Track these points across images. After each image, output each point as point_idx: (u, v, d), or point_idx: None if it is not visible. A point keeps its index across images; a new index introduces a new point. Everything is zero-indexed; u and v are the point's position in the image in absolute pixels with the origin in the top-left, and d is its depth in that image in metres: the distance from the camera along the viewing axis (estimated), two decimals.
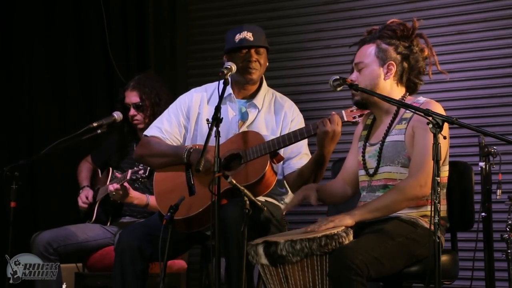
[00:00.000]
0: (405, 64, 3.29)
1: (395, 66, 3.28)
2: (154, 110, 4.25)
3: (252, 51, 3.61)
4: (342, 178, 3.45)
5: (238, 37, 3.60)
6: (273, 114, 3.69)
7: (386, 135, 3.25)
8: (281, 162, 3.57)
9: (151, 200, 4.13)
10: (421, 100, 3.24)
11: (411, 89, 3.35)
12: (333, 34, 5.05)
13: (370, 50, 3.29)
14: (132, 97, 4.33)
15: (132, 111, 4.31)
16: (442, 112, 3.07)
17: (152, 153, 3.67)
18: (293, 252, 2.93)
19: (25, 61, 5.36)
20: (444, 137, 2.81)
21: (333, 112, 3.34)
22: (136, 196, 4.12)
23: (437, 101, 3.27)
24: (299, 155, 3.60)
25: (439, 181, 2.79)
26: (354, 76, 3.29)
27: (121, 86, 4.53)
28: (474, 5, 4.71)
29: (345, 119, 3.33)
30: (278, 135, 3.54)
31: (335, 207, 3.60)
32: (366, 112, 3.37)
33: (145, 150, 3.70)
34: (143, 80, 4.40)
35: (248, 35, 3.60)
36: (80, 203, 4.35)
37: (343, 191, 3.43)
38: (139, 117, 4.31)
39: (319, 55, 5.14)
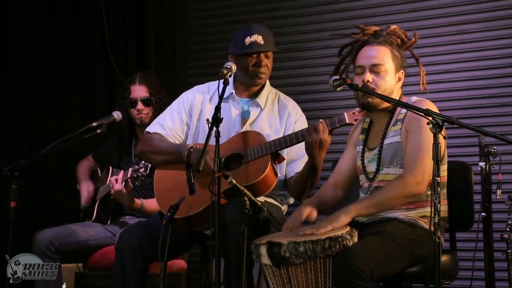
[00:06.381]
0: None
1: (403, 75, 3.28)
2: (160, 106, 4.24)
3: (262, 55, 3.57)
4: (334, 182, 3.41)
5: (248, 40, 3.55)
6: (277, 114, 3.68)
7: (383, 138, 3.24)
8: (283, 162, 3.57)
9: (146, 204, 4.14)
10: (413, 99, 3.24)
11: None
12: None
13: (386, 53, 3.23)
14: (141, 91, 4.30)
15: (140, 105, 4.27)
16: (435, 110, 3.06)
17: (153, 150, 3.66)
18: (296, 254, 2.92)
19: (25, 61, 5.35)
20: (445, 137, 2.81)
21: (321, 120, 3.30)
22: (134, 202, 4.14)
23: (437, 101, 3.28)
24: (302, 158, 3.56)
25: (439, 181, 2.79)
26: (369, 77, 3.20)
27: (121, 86, 4.51)
28: (474, 5, 4.71)
29: (347, 121, 3.29)
30: (281, 135, 3.53)
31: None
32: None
33: (147, 146, 3.69)
34: (148, 76, 4.40)
35: (258, 38, 3.55)
36: (84, 198, 4.35)
37: (334, 196, 3.38)
38: (146, 111, 4.27)
39: (319, 55, 5.14)
